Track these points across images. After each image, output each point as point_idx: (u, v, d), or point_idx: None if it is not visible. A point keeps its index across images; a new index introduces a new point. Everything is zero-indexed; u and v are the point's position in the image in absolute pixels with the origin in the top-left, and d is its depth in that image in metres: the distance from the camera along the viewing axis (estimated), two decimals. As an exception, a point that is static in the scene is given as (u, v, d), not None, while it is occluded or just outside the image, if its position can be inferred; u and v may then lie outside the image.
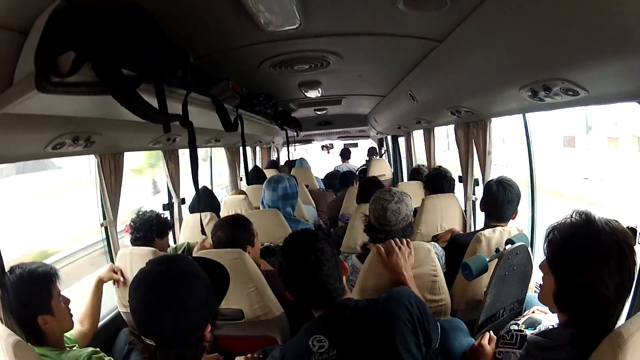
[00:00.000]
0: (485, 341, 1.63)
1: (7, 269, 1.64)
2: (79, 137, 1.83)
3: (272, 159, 7.34)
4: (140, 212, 2.65)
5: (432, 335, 1.55)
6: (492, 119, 3.02)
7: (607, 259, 1.10)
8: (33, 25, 1.17)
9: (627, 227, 1.17)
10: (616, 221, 1.16)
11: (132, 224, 2.59)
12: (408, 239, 1.93)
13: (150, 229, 2.57)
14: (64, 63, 1.14)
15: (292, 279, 1.56)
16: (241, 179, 5.27)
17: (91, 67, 1.19)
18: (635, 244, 1.15)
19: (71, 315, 1.73)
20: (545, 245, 1.22)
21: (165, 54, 1.52)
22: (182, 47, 1.64)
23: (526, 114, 2.89)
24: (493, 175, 2.99)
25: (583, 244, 1.14)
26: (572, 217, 1.19)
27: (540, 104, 2.02)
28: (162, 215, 2.70)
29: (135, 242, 2.55)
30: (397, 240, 1.90)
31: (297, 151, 9.85)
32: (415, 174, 4.43)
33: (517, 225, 2.33)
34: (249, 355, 1.71)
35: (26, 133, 1.59)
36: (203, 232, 2.19)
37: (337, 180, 5.71)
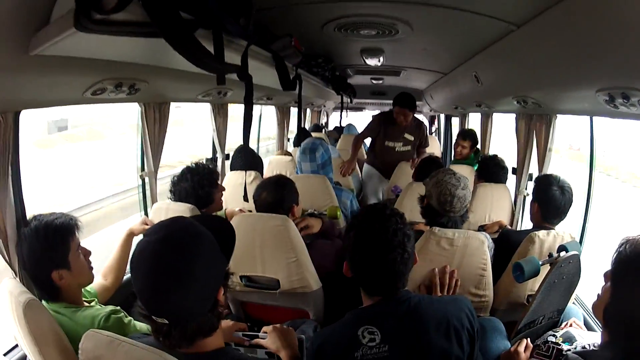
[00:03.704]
0: (521, 348, 1.60)
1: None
2: (122, 83, 1.73)
3: (319, 122, 7.30)
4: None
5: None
6: (557, 115, 2.90)
7: None
8: None
9: None
10: None
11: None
12: (454, 274, 1.82)
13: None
14: (109, -2, 1.00)
15: (366, 254, 1.37)
16: (288, 140, 5.23)
17: (141, 4, 1.05)
18: None
19: (91, 268, 1.64)
20: (614, 255, 1.16)
21: (227, -1, 1.41)
22: (246, -6, 1.53)
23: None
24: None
25: None
26: None
27: (613, 111, 1.88)
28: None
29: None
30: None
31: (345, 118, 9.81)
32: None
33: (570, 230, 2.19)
34: (277, 325, 1.55)
35: (63, 76, 1.49)
36: (246, 198, 2.08)
37: None
